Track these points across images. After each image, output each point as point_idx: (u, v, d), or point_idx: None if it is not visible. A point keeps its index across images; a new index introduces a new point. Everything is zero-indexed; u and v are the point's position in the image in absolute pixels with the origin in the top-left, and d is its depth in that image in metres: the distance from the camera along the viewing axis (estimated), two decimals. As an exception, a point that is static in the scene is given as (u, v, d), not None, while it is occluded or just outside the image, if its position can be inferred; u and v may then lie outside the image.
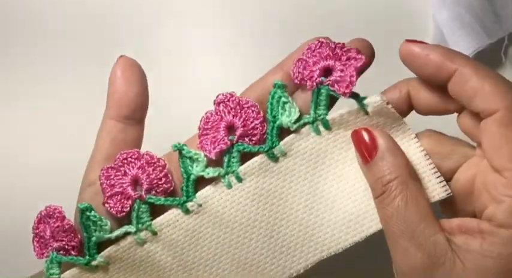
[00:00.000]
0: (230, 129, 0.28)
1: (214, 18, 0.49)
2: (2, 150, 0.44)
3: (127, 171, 0.28)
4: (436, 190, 0.27)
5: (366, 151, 0.27)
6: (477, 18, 0.45)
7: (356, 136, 0.27)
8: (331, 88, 0.27)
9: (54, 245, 0.29)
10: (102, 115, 0.30)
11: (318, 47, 0.27)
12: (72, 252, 0.29)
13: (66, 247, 0.29)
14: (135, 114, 0.29)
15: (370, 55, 0.28)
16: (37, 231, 0.29)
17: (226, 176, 0.28)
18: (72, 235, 0.29)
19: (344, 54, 0.27)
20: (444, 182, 0.27)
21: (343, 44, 0.27)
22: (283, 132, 0.28)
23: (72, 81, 0.47)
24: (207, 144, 0.28)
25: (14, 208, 0.41)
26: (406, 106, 0.28)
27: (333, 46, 0.27)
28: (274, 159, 0.28)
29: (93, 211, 0.28)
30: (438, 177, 0.27)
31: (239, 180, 0.28)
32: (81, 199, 0.29)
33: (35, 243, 0.29)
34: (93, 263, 0.29)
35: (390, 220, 0.26)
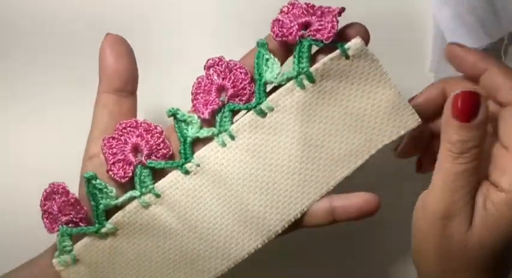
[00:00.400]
0: (221, 91, 0.30)
1: (214, 18, 0.49)
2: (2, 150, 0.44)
3: (127, 139, 0.30)
4: (410, 120, 0.30)
5: (468, 112, 0.28)
6: (477, 18, 0.45)
7: (461, 96, 0.29)
8: (313, 38, 0.28)
9: (63, 220, 0.30)
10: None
11: (290, 8, 0.29)
12: (81, 223, 0.30)
13: (74, 219, 0.30)
14: (127, 85, 0.31)
15: (366, 39, 0.30)
16: (45, 208, 0.31)
17: (219, 135, 0.30)
18: (78, 207, 0.30)
19: (318, 9, 0.29)
20: (415, 113, 0.30)
21: (313, 4, 0.29)
22: (271, 90, 0.30)
23: (72, 81, 0.47)
24: (199, 106, 0.30)
25: (13, 207, 0.41)
26: (443, 102, 0.31)
27: (305, 5, 0.29)
28: (263, 114, 0.30)
29: (98, 179, 0.30)
30: (410, 109, 0.30)
31: (232, 137, 0.30)
32: (84, 172, 0.31)
33: (45, 220, 0.31)
34: (103, 230, 0.30)
35: (453, 175, 0.29)
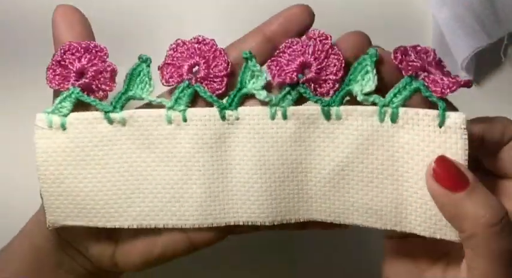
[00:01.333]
0: (304, 67, 0.28)
1: (213, 18, 0.49)
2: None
3: (194, 54, 0.29)
4: (452, 232, 0.27)
5: (456, 178, 0.25)
6: (477, 18, 0.45)
7: (441, 166, 0.26)
8: (425, 85, 0.26)
9: (79, 81, 0.28)
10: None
11: (423, 51, 0.28)
12: (98, 96, 0.29)
13: (96, 88, 0.29)
14: None
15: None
16: (58, 59, 0.29)
17: (274, 107, 0.28)
18: (112, 78, 0.29)
19: (434, 60, 0.28)
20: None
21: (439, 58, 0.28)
22: (351, 99, 0.28)
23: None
24: (277, 67, 0.28)
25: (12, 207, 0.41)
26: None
27: (435, 57, 0.28)
28: (327, 117, 0.28)
29: (149, 67, 0.29)
30: None
31: (284, 117, 0.28)
32: None
33: (51, 71, 0.29)
34: (113, 115, 0.29)
35: (503, 253, 0.25)
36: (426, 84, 0.26)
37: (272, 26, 0.29)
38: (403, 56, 0.27)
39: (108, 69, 0.28)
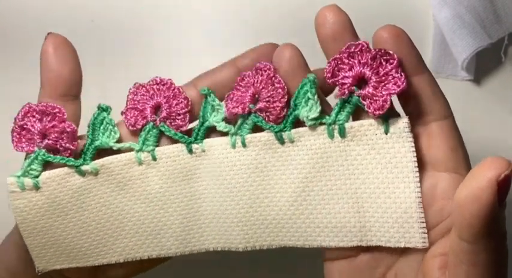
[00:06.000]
0: (255, 97, 0.29)
1: (213, 18, 0.49)
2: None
3: (154, 95, 0.30)
4: (415, 238, 0.27)
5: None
6: (477, 18, 0.45)
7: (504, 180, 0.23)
8: (361, 101, 0.27)
9: (43, 143, 0.29)
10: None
11: (357, 49, 0.27)
12: (63, 154, 0.29)
13: (60, 148, 0.29)
14: (71, 90, 0.30)
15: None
16: (21, 123, 0.29)
17: (234, 136, 0.30)
18: (74, 137, 0.29)
19: (383, 65, 0.26)
20: (426, 234, 0.27)
21: (385, 50, 0.26)
22: (299, 121, 0.29)
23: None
24: (229, 102, 0.30)
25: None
26: None
27: (374, 52, 0.26)
28: (281, 141, 0.29)
29: (110, 115, 0.30)
30: (422, 227, 0.27)
31: (244, 145, 0.29)
32: None
33: (15, 134, 0.29)
34: (84, 167, 0.29)
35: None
36: (362, 100, 0.27)
37: (245, 60, 0.31)
38: (332, 74, 0.27)
39: (68, 129, 0.29)
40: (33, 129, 0.29)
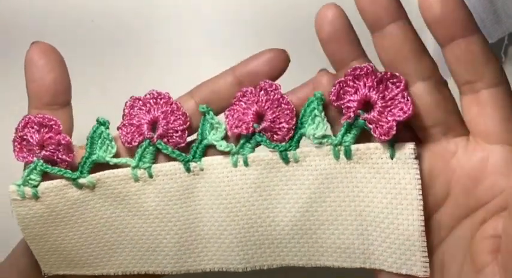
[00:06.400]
0: (259, 117, 0.29)
1: (213, 18, 0.49)
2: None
3: (151, 109, 0.29)
4: (417, 267, 0.27)
5: None
6: (477, 18, 0.45)
7: None
8: (367, 125, 0.27)
9: (41, 154, 0.29)
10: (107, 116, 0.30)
11: (362, 72, 0.26)
12: (61, 165, 0.29)
13: (58, 159, 0.29)
14: (57, 99, 0.29)
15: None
16: (21, 134, 0.29)
17: (235, 155, 0.29)
18: (69, 150, 0.29)
19: (390, 89, 0.26)
20: (427, 263, 0.27)
21: (391, 74, 0.26)
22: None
23: (72, 81, 0.47)
24: (231, 121, 0.29)
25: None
26: None
27: (380, 76, 0.26)
28: (286, 161, 0.28)
29: (108, 129, 0.29)
30: (424, 256, 0.27)
31: (246, 164, 0.29)
32: None
33: (16, 144, 0.29)
34: (81, 181, 0.29)
35: None
36: (368, 124, 0.27)
37: (244, 69, 0.29)
38: (337, 96, 0.27)
39: (63, 142, 0.29)
40: (31, 140, 0.29)
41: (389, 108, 0.26)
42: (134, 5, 0.49)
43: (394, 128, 0.26)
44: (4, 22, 0.48)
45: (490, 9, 0.46)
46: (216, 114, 0.30)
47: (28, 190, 0.29)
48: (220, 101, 0.29)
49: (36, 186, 0.29)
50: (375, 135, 0.26)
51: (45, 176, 0.30)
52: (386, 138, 0.26)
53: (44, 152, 0.29)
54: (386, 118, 0.26)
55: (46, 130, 0.29)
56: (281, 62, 0.28)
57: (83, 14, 0.48)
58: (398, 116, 0.26)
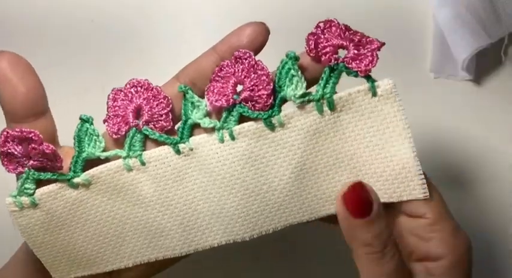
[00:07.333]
0: (237, 86, 0.29)
1: (213, 18, 0.49)
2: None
3: (133, 98, 0.30)
4: (416, 190, 0.28)
5: (360, 207, 0.28)
6: (478, 18, 0.45)
7: (351, 191, 0.28)
8: (347, 66, 0.27)
9: (29, 163, 0.29)
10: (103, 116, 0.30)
11: (327, 25, 0.28)
12: (52, 170, 0.29)
13: (47, 166, 0.29)
14: (33, 110, 0.28)
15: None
16: (4, 149, 0.29)
17: (221, 130, 0.29)
18: (56, 157, 0.29)
19: (355, 35, 0.28)
20: (425, 185, 0.28)
21: (352, 29, 0.28)
22: (286, 102, 0.29)
23: (72, 81, 0.47)
24: (211, 95, 0.29)
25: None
26: None
27: (343, 27, 0.28)
28: (271, 127, 0.29)
29: (92, 125, 0.29)
30: (421, 178, 0.28)
31: (232, 137, 0.29)
32: None
33: (3, 158, 0.29)
34: (76, 180, 0.29)
35: (388, 276, 0.28)
36: (347, 65, 0.28)
37: (225, 46, 0.29)
38: (315, 45, 0.28)
39: (47, 151, 0.28)
40: (16, 153, 0.29)
41: (365, 43, 0.28)
42: (134, 4, 0.49)
43: (376, 56, 0.27)
44: (4, 22, 0.48)
45: (490, 9, 0.46)
46: (203, 92, 0.29)
47: (25, 200, 0.29)
48: (206, 80, 0.29)
49: (32, 194, 0.29)
50: (360, 69, 0.27)
51: (40, 183, 0.30)
52: (372, 66, 0.27)
53: (31, 162, 0.29)
54: (367, 50, 0.27)
55: (27, 143, 0.28)
56: (260, 35, 0.28)
57: (83, 14, 0.48)
58: (376, 44, 0.27)
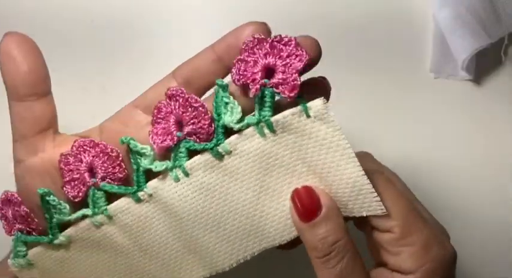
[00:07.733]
0: (179, 124, 0.29)
1: (213, 18, 0.49)
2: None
3: (83, 158, 0.30)
4: (372, 207, 0.28)
5: (308, 210, 0.28)
6: (478, 18, 0.45)
7: (297, 194, 0.28)
8: (276, 90, 0.27)
9: (16, 227, 0.31)
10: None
11: (255, 44, 0.27)
12: (34, 233, 0.31)
13: (28, 229, 0.31)
14: (34, 89, 0.29)
15: (316, 53, 0.27)
16: (3, 212, 0.31)
17: (173, 170, 0.29)
18: (29, 219, 0.30)
19: (284, 49, 0.27)
20: (380, 202, 0.28)
21: (280, 36, 0.27)
22: (231, 131, 0.28)
23: (72, 81, 0.47)
24: (155, 137, 0.29)
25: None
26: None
27: (270, 41, 0.27)
28: (219, 156, 0.29)
29: (52, 196, 0.30)
30: (375, 196, 0.28)
31: (186, 174, 0.29)
32: (16, 175, 0.31)
33: (4, 221, 0.32)
34: (56, 242, 0.31)
35: None
36: (276, 90, 0.27)
37: (223, 45, 0.28)
38: (241, 75, 0.27)
39: (23, 213, 0.30)
40: (7, 215, 0.31)
41: (289, 65, 0.26)
42: (134, 5, 0.49)
43: (298, 80, 0.26)
44: (4, 22, 0.48)
45: (490, 9, 0.46)
46: (198, 92, 0.29)
47: (21, 261, 0.32)
48: (202, 79, 0.29)
49: (25, 255, 0.32)
50: (285, 96, 0.27)
51: (31, 243, 0.31)
52: (295, 92, 0.26)
53: (18, 225, 0.31)
54: (290, 73, 0.26)
55: (12, 204, 0.30)
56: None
57: (83, 14, 0.48)
58: (298, 66, 0.26)
